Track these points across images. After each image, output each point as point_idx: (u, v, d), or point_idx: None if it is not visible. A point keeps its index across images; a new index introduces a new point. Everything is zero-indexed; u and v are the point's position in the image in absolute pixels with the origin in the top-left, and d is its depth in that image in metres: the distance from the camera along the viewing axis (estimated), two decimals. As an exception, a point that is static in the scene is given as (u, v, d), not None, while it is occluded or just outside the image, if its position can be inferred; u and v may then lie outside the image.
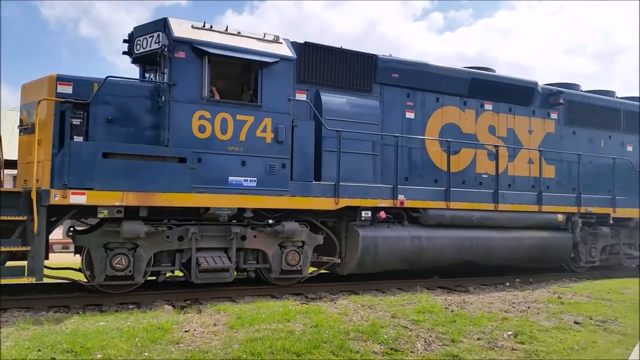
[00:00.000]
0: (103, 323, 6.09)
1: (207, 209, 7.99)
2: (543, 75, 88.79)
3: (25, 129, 7.89)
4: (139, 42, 8.61)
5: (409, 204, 9.65)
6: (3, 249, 7.12)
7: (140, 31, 8.63)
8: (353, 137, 9.27)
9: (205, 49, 7.87)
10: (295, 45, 9.13)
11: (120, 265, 7.60)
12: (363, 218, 9.22)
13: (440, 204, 10.00)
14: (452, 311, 7.32)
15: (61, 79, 7.56)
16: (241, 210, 8.29)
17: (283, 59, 8.55)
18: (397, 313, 6.93)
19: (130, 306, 7.50)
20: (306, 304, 7.68)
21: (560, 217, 11.43)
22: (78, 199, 7.17)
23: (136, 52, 8.67)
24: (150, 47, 8.39)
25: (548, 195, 11.40)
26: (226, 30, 8.50)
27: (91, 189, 7.23)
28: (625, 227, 12.65)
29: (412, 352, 5.40)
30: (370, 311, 7.15)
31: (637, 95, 14.02)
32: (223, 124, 8.06)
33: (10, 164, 10.06)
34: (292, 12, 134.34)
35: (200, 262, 7.99)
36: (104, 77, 7.59)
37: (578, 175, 11.87)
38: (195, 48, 7.88)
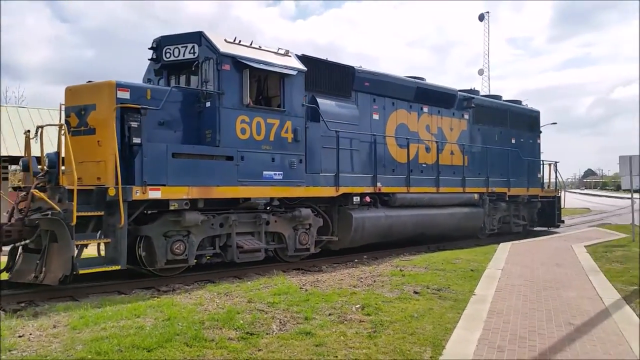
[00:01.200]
0: None
1: (247, 199, 9.38)
2: (388, 66, 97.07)
3: (78, 130, 8.47)
4: (168, 50, 9.55)
5: (384, 189, 11.96)
6: (87, 242, 7.88)
7: (170, 41, 9.56)
8: (342, 136, 11.22)
9: (247, 63, 9.19)
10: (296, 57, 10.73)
11: (178, 250, 8.69)
12: (354, 202, 11.29)
13: (403, 189, 12.51)
14: (306, 290, 7.51)
15: (120, 85, 8.36)
16: (270, 199, 9.80)
17: (300, 71, 10.16)
18: (253, 297, 6.96)
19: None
20: (158, 297, 7.54)
21: (476, 196, 14.70)
22: (155, 194, 8.15)
23: (165, 59, 9.59)
24: (183, 56, 9.41)
25: (468, 179, 14.57)
26: (250, 44, 9.82)
27: (164, 185, 8.24)
28: (515, 202, 16.51)
29: (267, 333, 5.47)
30: (226, 298, 7.07)
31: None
32: (258, 126, 9.47)
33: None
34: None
35: (241, 245, 9.37)
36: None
37: (487, 164, 15.28)
38: (237, 62, 9.14)
